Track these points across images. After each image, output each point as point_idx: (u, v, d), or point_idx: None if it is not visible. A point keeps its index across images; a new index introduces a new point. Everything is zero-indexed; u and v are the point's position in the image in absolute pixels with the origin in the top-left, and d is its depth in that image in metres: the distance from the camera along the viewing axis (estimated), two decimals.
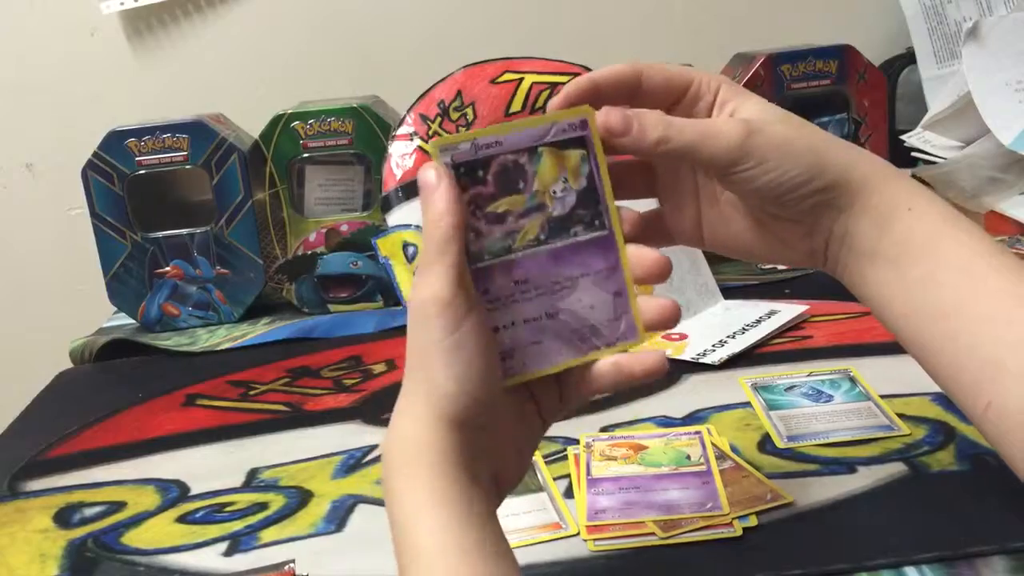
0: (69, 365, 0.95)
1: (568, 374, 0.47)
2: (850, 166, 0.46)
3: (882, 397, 0.68)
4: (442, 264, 0.42)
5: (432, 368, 0.42)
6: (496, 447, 0.44)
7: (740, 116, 0.47)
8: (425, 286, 0.42)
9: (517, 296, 0.46)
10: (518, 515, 0.57)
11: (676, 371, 0.75)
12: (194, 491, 0.66)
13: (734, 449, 0.63)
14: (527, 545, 0.54)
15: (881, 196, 0.46)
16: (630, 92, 0.48)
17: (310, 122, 0.98)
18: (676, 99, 0.48)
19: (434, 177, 0.43)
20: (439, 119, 0.94)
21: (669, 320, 0.47)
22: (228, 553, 0.58)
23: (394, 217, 0.95)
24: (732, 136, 0.45)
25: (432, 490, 0.40)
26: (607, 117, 0.46)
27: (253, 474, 0.67)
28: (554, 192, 0.46)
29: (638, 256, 0.47)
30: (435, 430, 0.41)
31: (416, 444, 0.41)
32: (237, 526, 0.60)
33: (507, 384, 0.45)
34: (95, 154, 0.97)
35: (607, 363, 0.46)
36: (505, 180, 0.46)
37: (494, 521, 0.42)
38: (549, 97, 0.93)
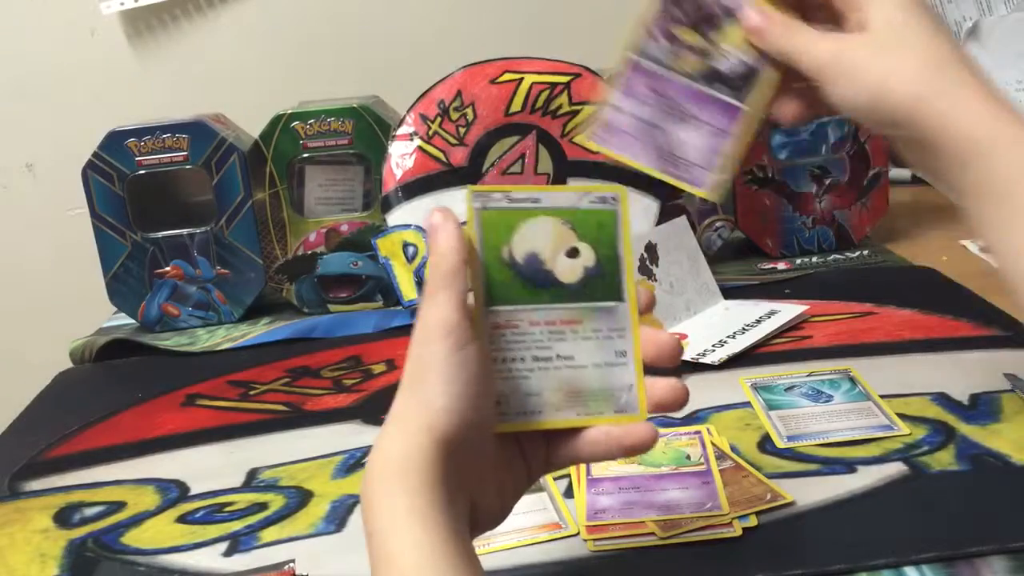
0: (69, 365, 0.95)
1: (558, 436, 0.47)
2: (922, 107, 0.49)
3: (882, 397, 0.68)
4: (448, 292, 0.44)
5: (430, 384, 0.43)
6: (478, 478, 0.45)
7: (850, 26, 0.52)
8: (432, 309, 0.44)
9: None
10: (518, 515, 0.57)
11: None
12: (194, 491, 0.66)
13: (734, 449, 0.63)
14: (527, 545, 0.54)
15: (956, 141, 0.48)
16: None
17: (310, 122, 0.98)
18: None
19: (440, 218, 0.45)
20: (439, 119, 0.94)
21: (678, 401, 0.48)
22: (228, 553, 0.58)
23: (394, 217, 0.95)
24: (819, 56, 0.51)
25: (410, 506, 0.40)
26: (745, 18, 0.53)
27: (253, 474, 0.67)
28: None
29: (653, 337, 0.48)
30: (420, 446, 0.42)
31: (400, 460, 0.42)
32: (237, 526, 0.60)
33: (498, 430, 0.46)
34: (95, 154, 0.97)
35: (599, 432, 0.47)
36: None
37: (467, 541, 0.42)
38: (549, 97, 0.94)
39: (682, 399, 0.48)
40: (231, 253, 1.00)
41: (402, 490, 0.41)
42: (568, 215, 0.47)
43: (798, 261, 1.02)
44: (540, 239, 0.47)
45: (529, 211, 0.47)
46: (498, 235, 0.47)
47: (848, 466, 0.59)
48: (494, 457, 0.46)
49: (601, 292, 0.48)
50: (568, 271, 0.47)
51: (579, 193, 0.48)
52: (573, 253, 0.47)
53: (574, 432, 0.47)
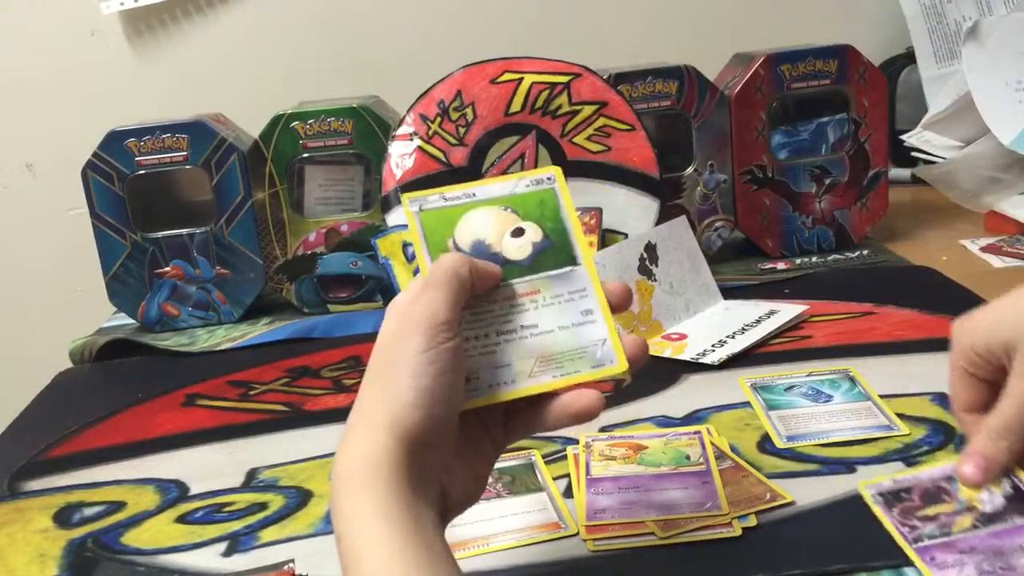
0: (69, 365, 0.95)
1: (516, 409, 0.48)
2: None
3: (882, 397, 0.68)
4: (446, 290, 0.44)
5: (399, 377, 0.43)
6: (445, 466, 0.45)
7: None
8: (424, 303, 0.44)
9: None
10: (518, 515, 0.57)
11: (676, 371, 0.75)
12: (194, 491, 0.66)
13: (734, 449, 0.63)
14: (527, 545, 0.54)
15: None
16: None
17: (310, 122, 0.98)
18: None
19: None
20: (439, 119, 0.94)
21: (645, 354, 0.48)
22: (227, 553, 0.58)
23: (394, 217, 0.95)
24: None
25: (375, 506, 0.41)
26: (963, 477, 0.50)
27: (253, 474, 0.67)
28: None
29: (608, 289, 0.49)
30: (384, 445, 0.42)
31: (364, 460, 0.42)
32: (236, 526, 0.60)
33: (469, 405, 0.46)
34: (95, 154, 0.97)
35: (551, 402, 0.47)
36: None
37: (438, 534, 0.42)
38: (549, 97, 0.94)
39: (646, 351, 0.48)
40: (231, 253, 1.00)
41: (367, 491, 0.41)
42: (506, 201, 0.49)
43: (798, 261, 1.02)
44: (482, 227, 0.48)
45: (466, 205, 0.49)
46: (440, 232, 0.48)
47: (848, 466, 0.59)
48: (460, 443, 0.46)
49: (554, 261, 0.49)
50: (516, 249, 0.48)
51: (513, 180, 0.49)
52: (518, 232, 0.49)
53: (529, 403, 0.47)
